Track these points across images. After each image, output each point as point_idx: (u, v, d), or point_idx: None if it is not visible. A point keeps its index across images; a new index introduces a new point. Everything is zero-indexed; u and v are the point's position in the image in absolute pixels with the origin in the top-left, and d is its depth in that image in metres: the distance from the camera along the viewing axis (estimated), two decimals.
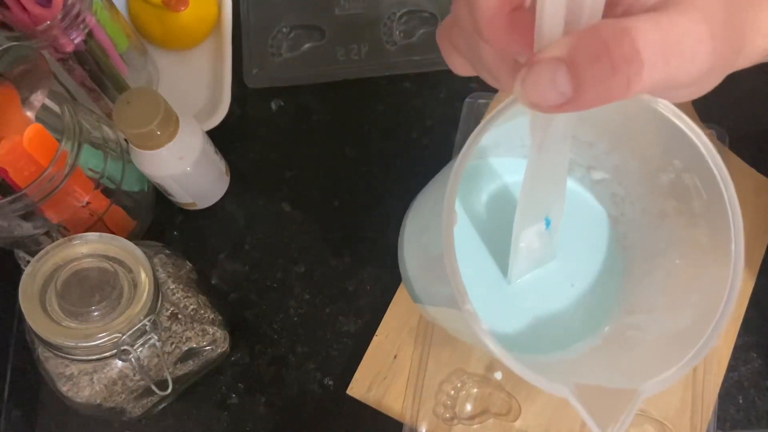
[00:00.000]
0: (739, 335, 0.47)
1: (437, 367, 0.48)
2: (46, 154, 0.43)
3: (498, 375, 0.47)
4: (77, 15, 0.46)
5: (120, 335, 0.38)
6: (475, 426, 0.46)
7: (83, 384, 0.40)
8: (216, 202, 0.55)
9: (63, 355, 0.39)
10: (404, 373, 0.48)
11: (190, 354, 0.45)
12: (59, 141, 0.44)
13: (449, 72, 0.59)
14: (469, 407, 0.46)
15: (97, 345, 0.38)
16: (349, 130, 0.58)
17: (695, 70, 0.24)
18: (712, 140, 0.37)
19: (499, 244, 0.41)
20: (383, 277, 0.53)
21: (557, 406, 0.46)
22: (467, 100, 0.56)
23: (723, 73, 0.26)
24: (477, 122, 0.55)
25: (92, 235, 0.40)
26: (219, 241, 0.55)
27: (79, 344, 0.37)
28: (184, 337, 0.43)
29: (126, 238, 0.40)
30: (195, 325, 0.44)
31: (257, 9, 0.62)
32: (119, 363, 0.41)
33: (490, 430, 0.46)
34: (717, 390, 0.45)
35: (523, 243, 0.37)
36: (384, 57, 0.59)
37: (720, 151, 0.50)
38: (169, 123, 0.47)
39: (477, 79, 0.58)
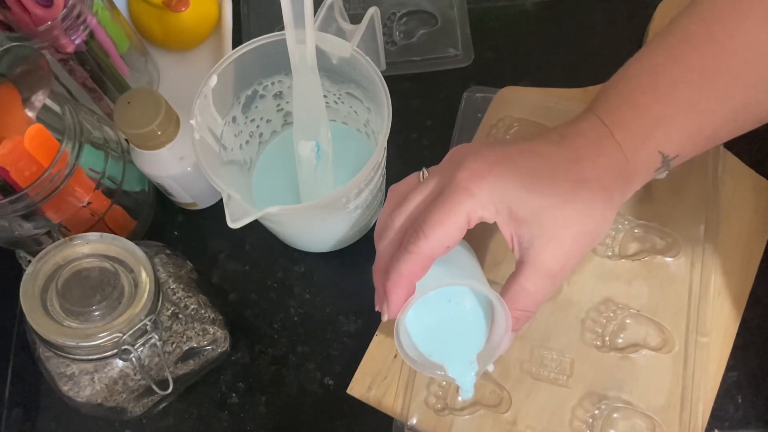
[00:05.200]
0: (738, 335, 0.47)
1: None
2: (47, 154, 0.43)
3: (490, 367, 0.47)
4: (78, 15, 0.46)
5: (121, 335, 0.38)
6: (466, 417, 0.46)
7: (84, 383, 0.41)
8: (216, 202, 0.55)
9: (64, 354, 0.39)
10: (404, 371, 0.48)
11: (190, 353, 0.45)
12: (60, 141, 0.44)
13: (449, 72, 0.59)
14: (460, 398, 0.47)
15: (97, 345, 0.38)
16: None
17: None
18: None
19: None
20: None
21: (547, 398, 0.46)
22: (466, 93, 0.56)
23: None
24: (475, 116, 0.56)
25: (93, 235, 0.40)
26: (219, 241, 0.55)
27: (80, 344, 0.37)
28: (184, 337, 0.44)
29: (127, 237, 0.40)
30: (195, 325, 0.44)
31: (257, 9, 0.62)
32: (120, 362, 0.41)
33: (481, 421, 0.46)
34: (714, 389, 0.45)
35: (302, 153, 0.46)
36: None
37: (718, 152, 0.50)
38: (170, 123, 0.47)
39: (477, 79, 0.59)
